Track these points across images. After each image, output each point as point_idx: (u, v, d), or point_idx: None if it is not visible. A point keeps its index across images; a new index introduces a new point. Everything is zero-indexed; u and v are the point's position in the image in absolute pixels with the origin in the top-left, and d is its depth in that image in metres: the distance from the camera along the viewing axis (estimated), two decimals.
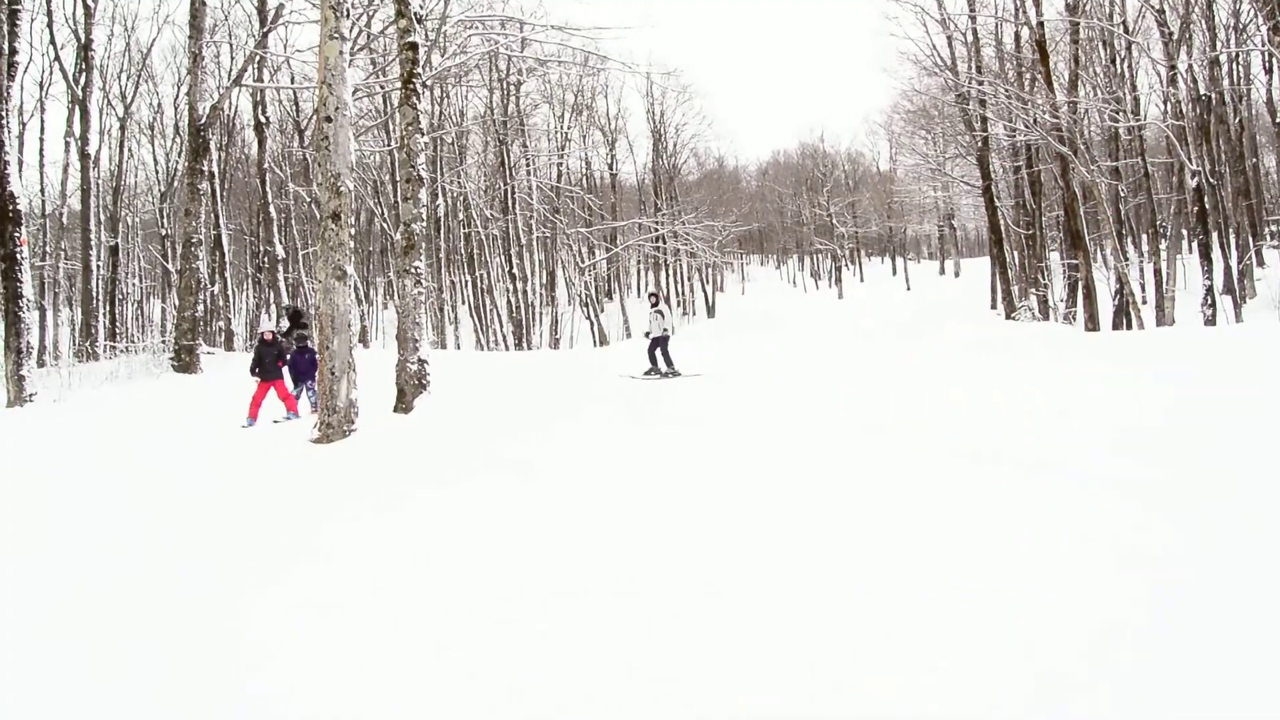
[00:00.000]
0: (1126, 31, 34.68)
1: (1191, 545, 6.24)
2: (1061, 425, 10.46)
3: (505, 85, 49.89)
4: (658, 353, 19.81)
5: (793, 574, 6.10)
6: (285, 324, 18.92)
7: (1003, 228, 42.53)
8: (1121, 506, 7.11)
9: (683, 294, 78.50)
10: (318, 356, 15.05)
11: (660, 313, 20.13)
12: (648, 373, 19.43)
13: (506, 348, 49.53)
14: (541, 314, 54.26)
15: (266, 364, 16.29)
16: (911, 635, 5.07)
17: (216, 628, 5.87)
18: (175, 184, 46.48)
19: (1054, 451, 9.07)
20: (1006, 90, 35.79)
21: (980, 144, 40.96)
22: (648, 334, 20.16)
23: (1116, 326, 33.26)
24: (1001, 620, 5.18)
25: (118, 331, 43.72)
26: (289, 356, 16.95)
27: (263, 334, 16.81)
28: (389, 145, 38.92)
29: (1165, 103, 34.53)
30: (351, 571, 6.81)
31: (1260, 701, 4.31)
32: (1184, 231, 41.56)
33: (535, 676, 4.86)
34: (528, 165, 52.63)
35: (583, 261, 57.64)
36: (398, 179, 23.91)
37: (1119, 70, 37.20)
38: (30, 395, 18.90)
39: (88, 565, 7.54)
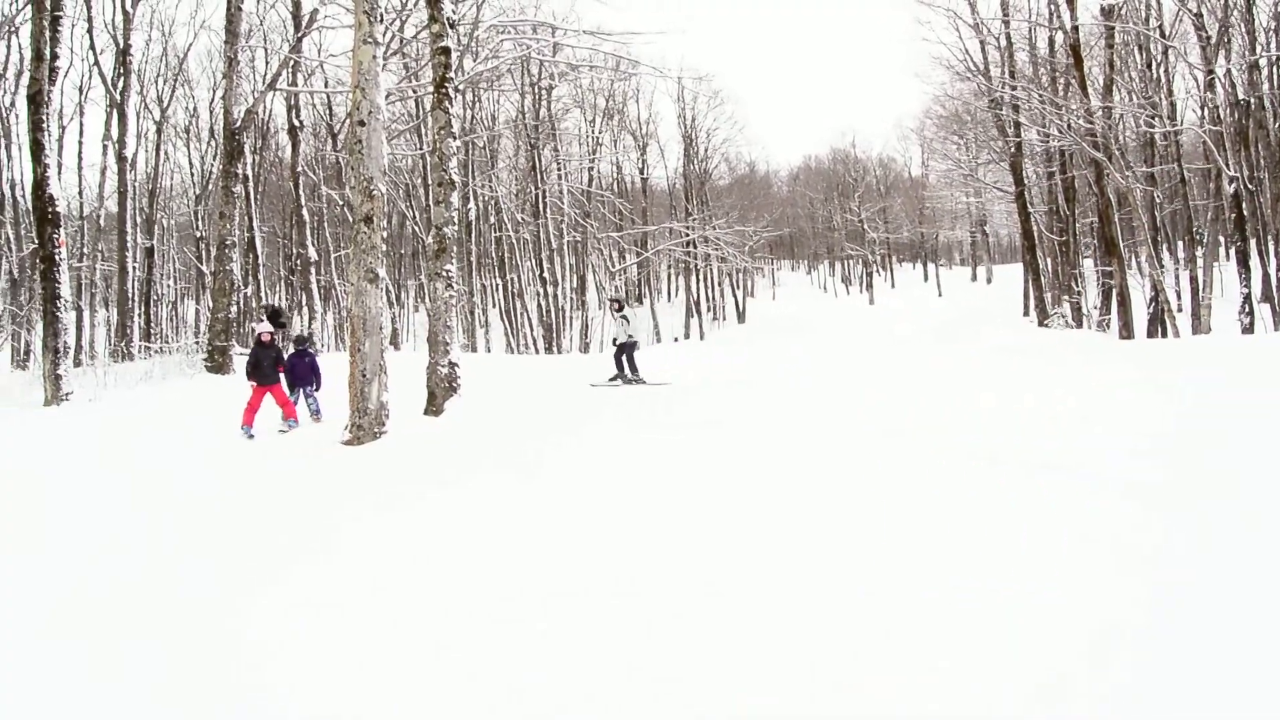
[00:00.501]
0: (1163, 36, 34.41)
1: (1192, 546, 6.20)
2: (1084, 430, 10.36)
3: (537, 90, 50.05)
4: (624, 359, 19.15)
5: (793, 574, 6.09)
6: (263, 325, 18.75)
7: (1036, 234, 42.22)
8: (1124, 507, 7.07)
9: (713, 299, 78.43)
10: (318, 361, 15.93)
11: (625, 318, 19.56)
12: (613, 379, 19.04)
13: (537, 351, 49.63)
14: (572, 318, 54.34)
15: (264, 368, 15.20)
16: (911, 635, 5.05)
17: (224, 626, 5.91)
18: (210, 187, 46.92)
19: (1071, 455, 8.98)
20: (1040, 95, 35.53)
21: (1013, 149, 40.69)
22: (614, 340, 19.57)
23: (1151, 334, 32.98)
24: (1002, 620, 5.16)
25: (152, 332, 44.06)
26: (287, 360, 16.06)
27: (259, 335, 15.67)
28: (421, 149, 39.05)
29: (1202, 107, 34.24)
30: (365, 571, 6.82)
31: (1261, 702, 4.27)
32: (1221, 238, 41.14)
33: (535, 676, 4.85)
34: (559, 169, 52.76)
35: (613, 266, 57.71)
36: (430, 182, 24.02)
37: (1155, 75, 36.90)
38: (67, 394, 19.06)
39: (119, 561, 7.59)
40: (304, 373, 16.04)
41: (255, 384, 15.07)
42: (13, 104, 39.33)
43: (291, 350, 16.66)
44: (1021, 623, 5.11)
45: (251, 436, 14.48)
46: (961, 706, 4.34)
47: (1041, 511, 7.13)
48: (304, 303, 45.27)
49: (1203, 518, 6.71)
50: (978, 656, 4.77)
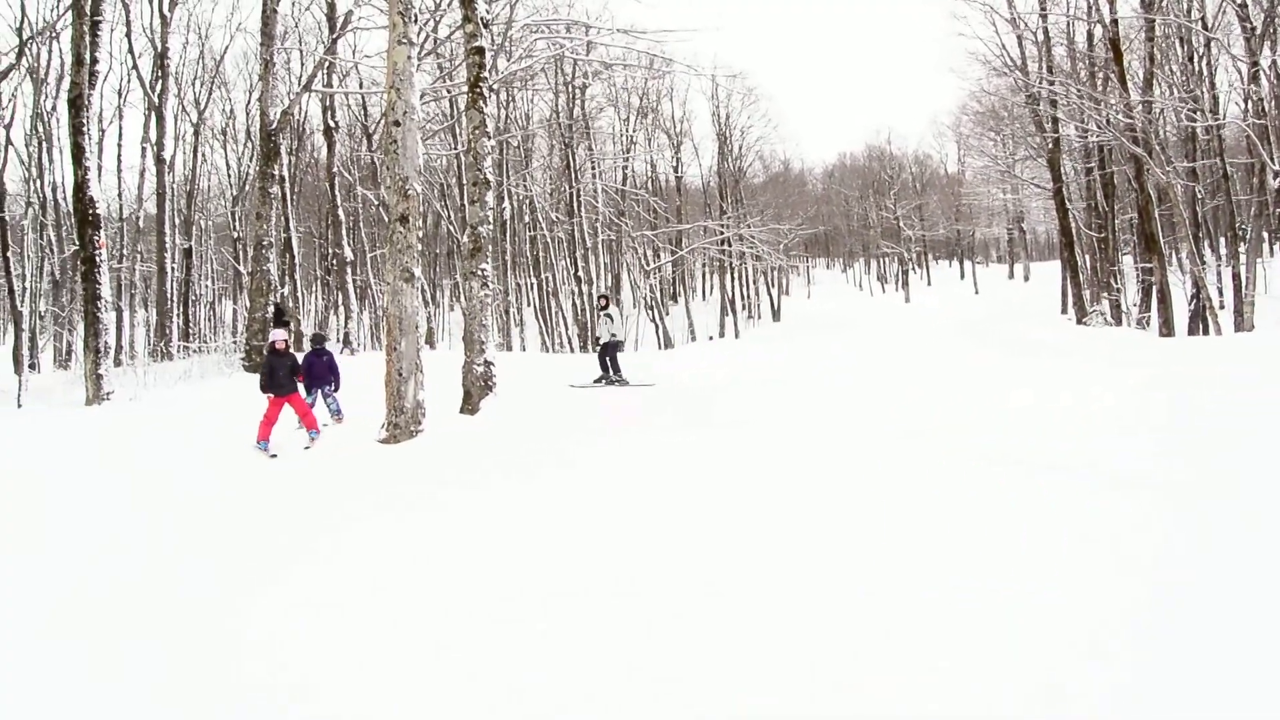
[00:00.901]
0: (1205, 27, 33.93)
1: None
2: (1106, 430, 10.36)
3: (571, 89, 50.12)
4: (608, 359, 18.97)
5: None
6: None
7: (1074, 231, 41.75)
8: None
9: (748, 297, 78.23)
10: (336, 361, 15.42)
11: (609, 316, 19.28)
12: (598, 380, 18.79)
13: (572, 350, 49.67)
14: None
15: (280, 377, 14.00)
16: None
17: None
18: (247, 188, 47.27)
19: (1085, 455, 8.99)
20: (1078, 90, 35.16)
21: (1051, 145, 40.30)
22: (597, 339, 19.26)
23: (1192, 332, 32.59)
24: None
25: (191, 332, 44.47)
26: (304, 360, 15.17)
27: (273, 343, 14.33)
28: (456, 149, 39.20)
29: (1246, 101, 33.71)
30: (369, 571, 6.84)
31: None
32: (1265, 234, 40.59)
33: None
34: (593, 168, 52.79)
35: (648, 264, 57.67)
36: (464, 182, 24.07)
37: (1197, 68, 36.42)
38: (108, 393, 19.26)
39: (149, 558, 7.64)
40: (322, 372, 15.33)
41: (272, 395, 13.89)
42: (54, 108, 39.77)
43: (307, 349, 15.84)
44: (1021, 623, 5.08)
45: (274, 456, 13.17)
46: (961, 706, 4.30)
47: (1043, 512, 7.15)
48: (340, 302, 45.57)
49: (1205, 517, 6.68)
50: (978, 656, 4.74)
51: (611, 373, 18.81)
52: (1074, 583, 5.62)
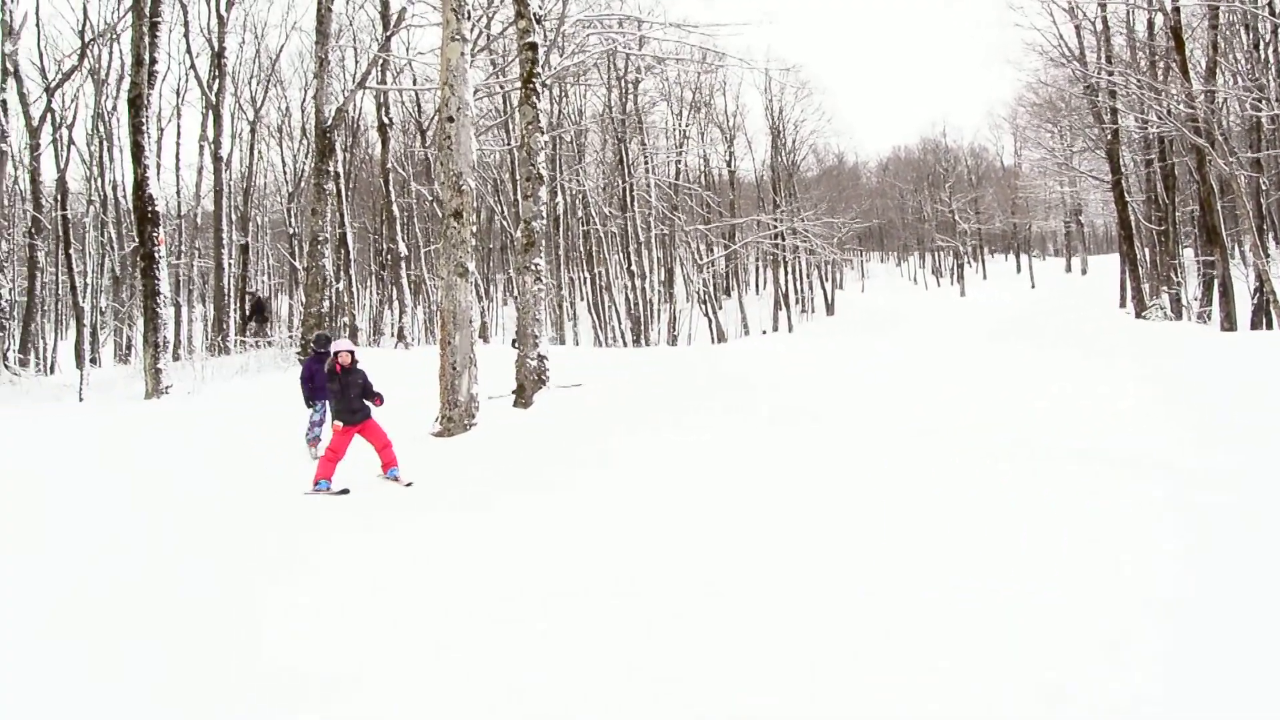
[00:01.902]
0: (1273, 13, 33.22)
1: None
2: (1140, 424, 10.24)
3: (623, 83, 50.07)
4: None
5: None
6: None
7: (1133, 223, 41.09)
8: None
9: (801, 291, 77.86)
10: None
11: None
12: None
13: (624, 344, 49.70)
14: (659, 311, 54.30)
15: (352, 400, 11.46)
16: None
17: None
18: (302, 184, 47.73)
19: (1109, 452, 8.89)
20: (1138, 80, 34.56)
21: (1110, 137, 39.65)
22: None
23: (1255, 326, 31.96)
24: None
25: (248, 327, 45.03)
26: (305, 367, 13.51)
27: (337, 357, 11.54)
28: (509, 144, 39.30)
29: None
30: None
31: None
32: None
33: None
34: (646, 163, 52.73)
35: (701, 259, 57.52)
36: (518, 177, 24.16)
37: (1263, 55, 35.66)
38: (167, 387, 19.57)
39: (248, 538, 7.74)
40: (325, 380, 12.68)
41: (341, 424, 11.46)
42: (114, 108, 40.53)
43: (312, 353, 13.88)
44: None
45: (344, 491, 10.89)
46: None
47: (1047, 509, 7.12)
48: (394, 297, 45.88)
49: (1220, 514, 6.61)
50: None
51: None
52: (1074, 581, 5.59)
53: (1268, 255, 35.05)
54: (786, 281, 70.19)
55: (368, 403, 11.65)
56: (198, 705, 4.92)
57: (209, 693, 5.04)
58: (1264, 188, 38.30)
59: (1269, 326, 30.18)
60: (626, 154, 50.07)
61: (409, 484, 11.12)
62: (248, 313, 19.46)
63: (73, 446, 13.95)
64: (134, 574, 7.23)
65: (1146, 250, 44.05)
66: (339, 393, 11.42)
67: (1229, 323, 29.52)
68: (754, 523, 7.51)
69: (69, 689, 5.23)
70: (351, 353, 11.67)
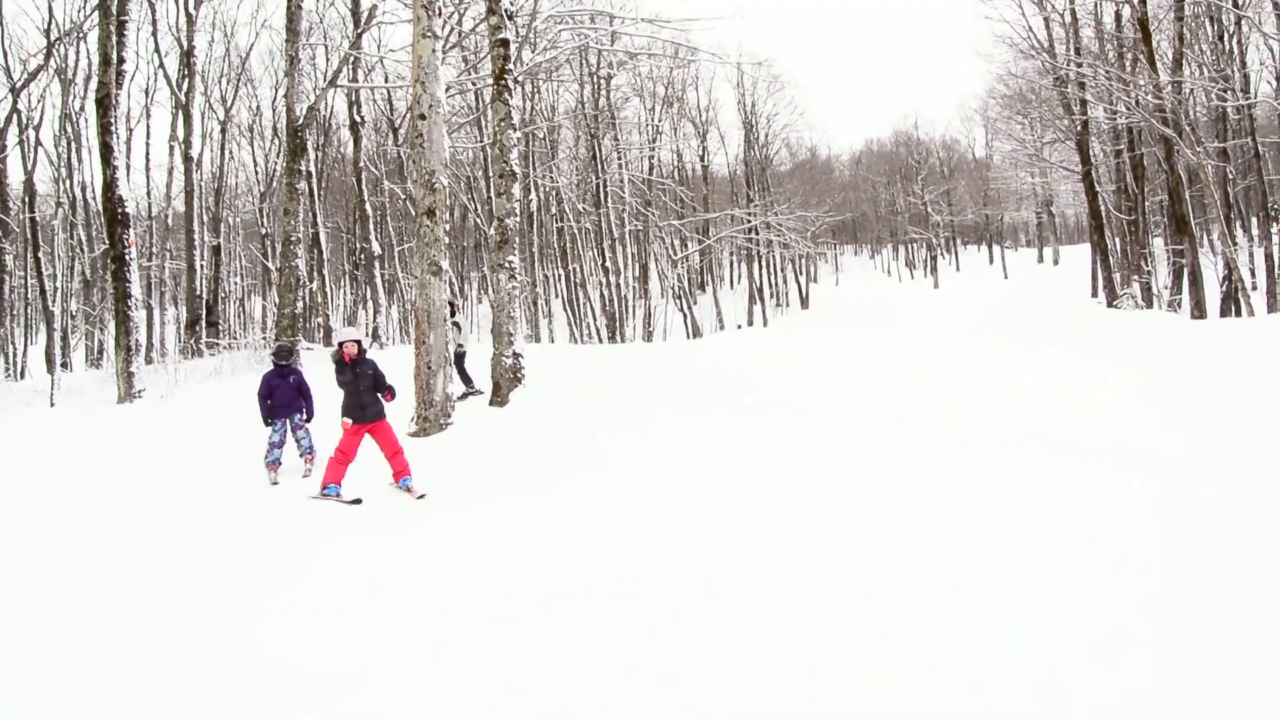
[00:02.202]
0: (1236, 5, 33.48)
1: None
2: (1115, 414, 10.33)
3: (596, 79, 50.01)
4: (462, 371, 17.57)
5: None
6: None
7: (1103, 213, 41.38)
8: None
9: (776, 285, 78.02)
10: (306, 382, 12.34)
11: (456, 325, 17.43)
12: (464, 396, 17.20)
13: (600, 341, 49.66)
14: (635, 307, 54.28)
15: (362, 395, 10.62)
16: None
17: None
18: (274, 184, 47.48)
19: (1099, 440, 8.97)
20: (1107, 72, 34.77)
21: (1079, 128, 39.92)
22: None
23: (1224, 313, 32.24)
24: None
25: (220, 329, 44.78)
26: (264, 380, 12.13)
27: (342, 345, 10.82)
28: (482, 141, 39.19)
29: (1278, 79, 33.31)
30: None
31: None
32: None
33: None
34: (619, 158, 52.70)
35: (675, 254, 57.54)
36: (491, 174, 24.09)
37: (1227, 47, 35.96)
38: (139, 391, 19.44)
39: (180, 555, 7.71)
40: (287, 397, 12.12)
41: (350, 421, 10.61)
42: (82, 108, 40.18)
43: (273, 363, 12.47)
44: (1011, 618, 5.05)
45: (357, 501, 10.09)
46: (962, 706, 4.26)
47: (1032, 501, 7.19)
48: (368, 296, 45.76)
49: (1210, 506, 6.66)
50: (965, 653, 4.70)
51: (465, 385, 17.43)
52: (1062, 576, 5.62)
53: (1235, 244, 35.39)
54: (761, 276, 70.34)
55: (380, 397, 10.78)
56: (198, 705, 4.91)
57: (209, 692, 5.03)
58: (1230, 177, 38.67)
59: (1238, 314, 30.45)
60: (600, 150, 50.03)
61: (421, 496, 10.23)
62: (194, 319, 19.27)
63: (48, 452, 13.85)
64: (133, 574, 7.22)
65: (1117, 240, 44.38)
66: (349, 386, 10.58)
67: (1199, 310, 29.79)
68: (739, 519, 7.53)
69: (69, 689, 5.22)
70: (358, 342, 10.86)
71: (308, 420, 12.35)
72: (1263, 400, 10.23)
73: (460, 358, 17.61)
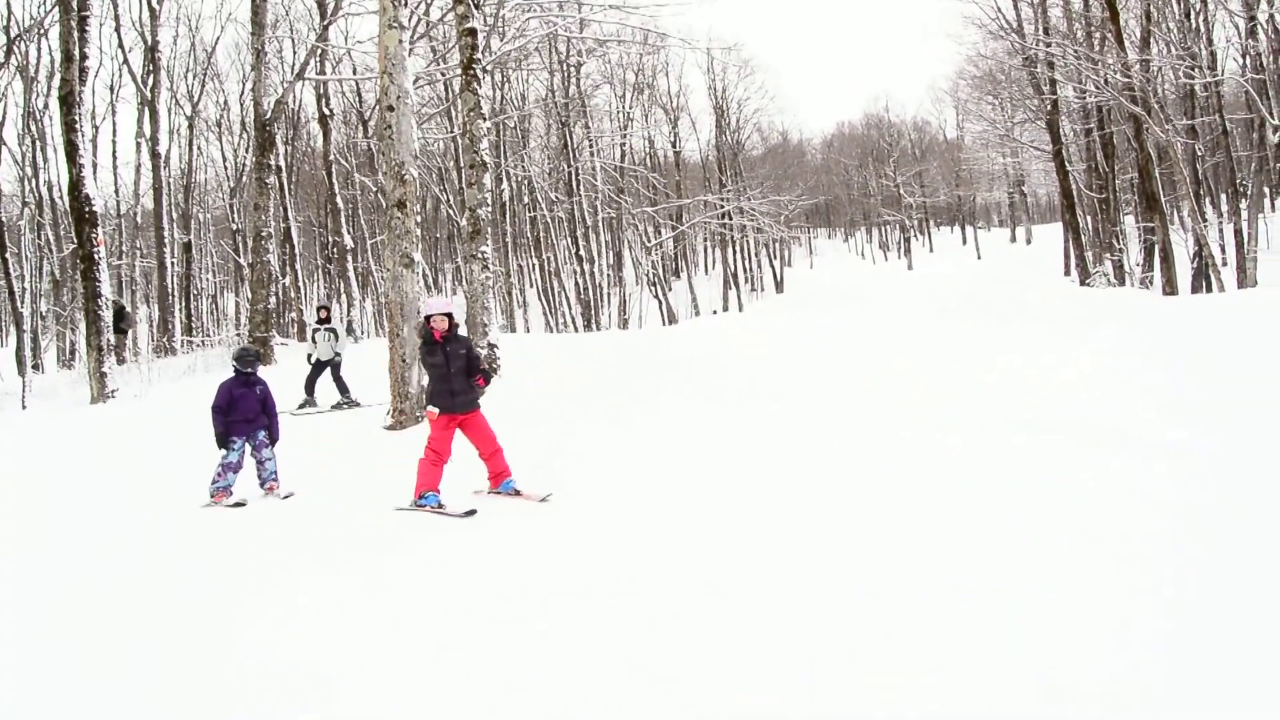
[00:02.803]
0: None
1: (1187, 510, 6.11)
2: (1090, 394, 10.39)
3: (565, 67, 49.82)
4: (338, 381, 16.86)
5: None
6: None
7: (1074, 192, 41.63)
8: (1082, 480, 7.00)
9: (750, 270, 78.13)
10: (270, 393, 10.52)
11: (333, 331, 16.95)
12: (339, 404, 16.71)
13: (575, 329, 49.63)
14: (609, 295, 54.24)
15: (453, 379, 9.00)
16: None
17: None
18: (244, 179, 47.15)
19: (1080, 418, 9.02)
20: (1075, 51, 34.87)
21: (1049, 107, 40.14)
22: (314, 358, 17.06)
23: (1196, 289, 32.48)
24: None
25: (194, 326, 44.57)
26: (221, 389, 10.33)
27: (430, 319, 9.21)
28: (452, 132, 39.05)
29: (1244, 56, 33.50)
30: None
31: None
32: (1266, 189, 40.40)
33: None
34: (591, 146, 52.57)
35: (649, 241, 57.51)
36: (462, 165, 23.99)
37: (1194, 24, 36.12)
38: (112, 391, 19.30)
39: (123, 560, 7.64)
40: (251, 411, 10.36)
41: (438, 410, 9.00)
42: (45, 106, 39.68)
43: (233, 370, 10.64)
44: (1021, 620, 5.04)
45: (471, 513, 8.45)
46: (962, 707, 4.25)
47: (1004, 485, 7.19)
48: (342, 290, 45.57)
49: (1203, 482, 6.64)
50: (978, 655, 4.69)
51: (341, 394, 16.77)
52: (1044, 564, 5.64)
53: (1205, 220, 35.63)
54: (735, 261, 70.41)
55: (472, 383, 9.15)
56: (198, 705, 4.87)
57: (209, 692, 5.00)
58: (1199, 154, 38.91)
59: (1209, 289, 30.68)
60: (571, 138, 49.90)
61: (545, 498, 8.72)
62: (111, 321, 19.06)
63: (22, 453, 13.73)
64: (135, 574, 7.16)
65: (1088, 218, 44.66)
66: (438, 369, 8.97)
67: (1170, 287, 30.04)
68: (719, 509, 7.56)
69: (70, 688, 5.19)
70: (449, 315, 9.19)
71: (272, 441, 10.52)
72: (1236, 378, 10.30)
73: (336, 366, 16.88)
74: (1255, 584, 5.16)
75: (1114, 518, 6.33)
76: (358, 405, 16.46)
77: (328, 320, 17.18)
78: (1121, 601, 5.11)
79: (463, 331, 10.19)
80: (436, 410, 8.89)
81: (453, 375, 8.94)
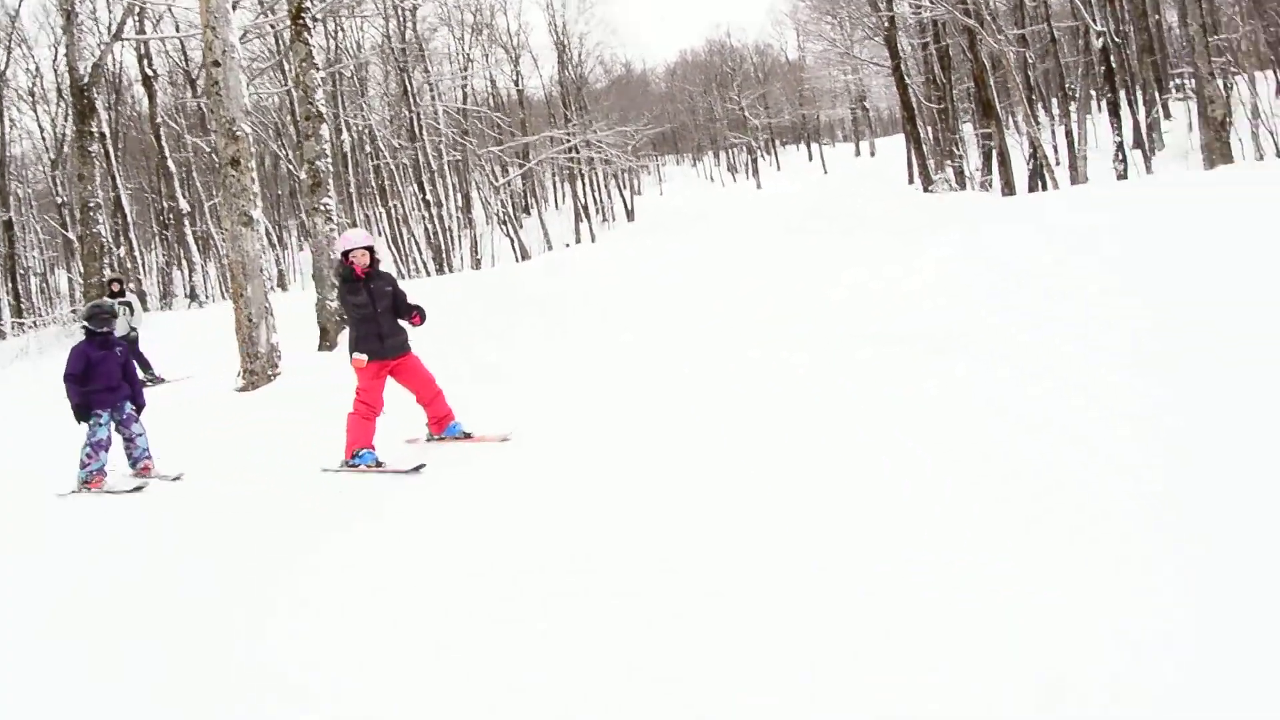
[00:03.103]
0: None
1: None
2: (933, 302, 10.68)
3: (400, 12, 48.54)
4: (143, 353, 15.83)
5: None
6: None
7: (914, 104, 42.59)
8: (924, 388, 7.22)
9: (601, 202, 78.03)
10: (138, 353, 10.08)
11: (129, 305, 15.87)
12: (142, 381, 13.39)
13: (428, 274, 48.97)
14: (460, 237, 53.61)
15: (381, 320, 8.09)
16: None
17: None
18: (65, 149, 44.91)
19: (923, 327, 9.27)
20: None
21: (887, 23, 40.79)
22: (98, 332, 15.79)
23: (1032, 189, 33.59)
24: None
25: (23, 307, 42.70)
26: (75, 351, 9.11)
27: (349, 254, 8.16)
28: (286, 85, 37.88)
29: None
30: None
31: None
32: (1092, 92, 41.83)
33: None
34: (431, 90, 51.60)
35: (496, 180, 56.90)
36: (298, 118, 23.32)
37: None
38: None
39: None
40: (113, 378, 9.12)
41: (362, 357, 8.01)
42: None
43: (85, 333, 9.30)
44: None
45: (420, 467, 7.68)
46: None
47: (854, 401, 7.31)
48: (182, 256, 44.10)
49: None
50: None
51: (141, 372, 14.10)
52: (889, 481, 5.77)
53: (1038, 124, 36.84)
54: (585, 194, 70.29)
55: (403, 324, 8.33)
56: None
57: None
58: (1030, 61, 40.08)
59: (1044, 188, 31.81)
60: (411, 84, 48.88)
61: (506, 437, 8.02)
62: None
63: None
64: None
65: (929, 128, 45.72)
66: (361, 310, 8.04)
67: (1009, 189, 31.19)
68: (572, 451, 7.52)
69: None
70: (370, 249, 8.20)
71: (139, 409, 9.34)
72: (1068, 276, 10.58)
73: (133, 343, 15.37)
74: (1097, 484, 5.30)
75: (958, 425, 6.47)
76: (162, 381, 15.69)
77: (120, 293, 16.15)
78: (953, 494, 5.28)
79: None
80: (365, 357, 7.94)
81: (380, 316, 8.06)
